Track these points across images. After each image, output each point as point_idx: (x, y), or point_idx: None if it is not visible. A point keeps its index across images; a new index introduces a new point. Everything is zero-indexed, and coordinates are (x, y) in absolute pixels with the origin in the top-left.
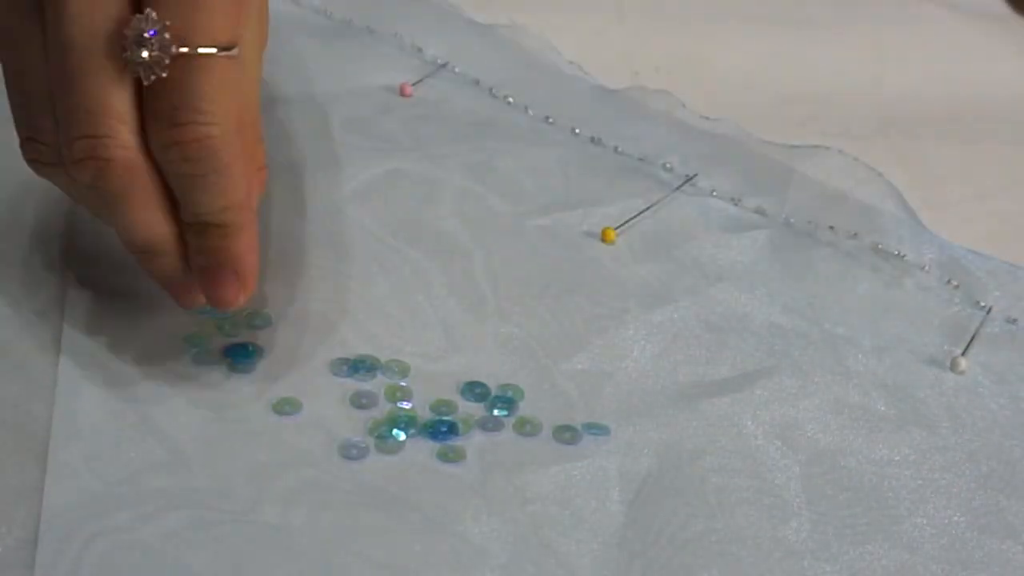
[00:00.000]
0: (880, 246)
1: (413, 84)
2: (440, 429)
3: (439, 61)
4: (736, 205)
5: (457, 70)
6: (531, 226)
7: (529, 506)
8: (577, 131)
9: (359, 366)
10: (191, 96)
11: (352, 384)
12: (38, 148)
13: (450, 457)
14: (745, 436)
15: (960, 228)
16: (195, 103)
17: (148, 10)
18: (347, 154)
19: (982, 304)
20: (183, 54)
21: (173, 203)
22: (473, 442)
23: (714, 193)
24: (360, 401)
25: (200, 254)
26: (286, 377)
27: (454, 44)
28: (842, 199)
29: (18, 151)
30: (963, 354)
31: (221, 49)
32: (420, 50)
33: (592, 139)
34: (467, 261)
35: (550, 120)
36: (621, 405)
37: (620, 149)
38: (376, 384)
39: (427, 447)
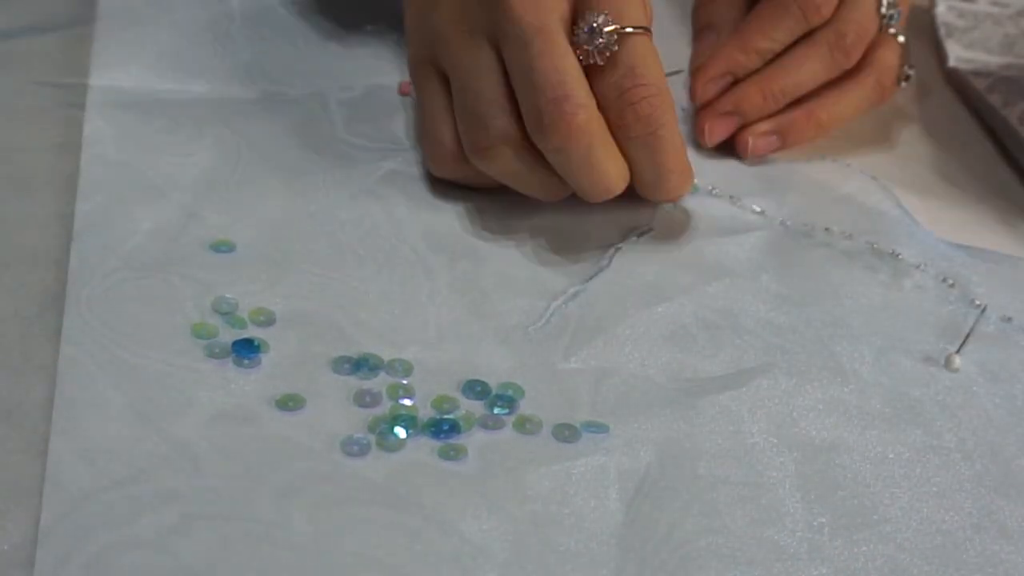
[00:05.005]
0: (876, 246)
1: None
2: (441, 427)
3: None
4: (735, 205)
5: None
6: (531, 224)
7: (529, 504)
8: None
9: (362, 364)
10: (633, 65)
11: (355, 382)
12: (489, 136)
13: (451, 455)
14: (742, 434)
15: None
16: (638, 70)
17: (587, 11)
18: (348, 153)
19: (977, 303)
20: (624, 33)
21: (621, 157)
22: (474, 440)
23: (714, 192)
24: (363, 399)
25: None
26: (290, 374)
27: None
28: (840, 201)
29: (16, 152)
30: (957, 352)
31: (643, 29)
32: None
33: None
34: (468, 260)
35: None
36: (620, 404)
37: None
38: (378, 382)
39: (428, 445)
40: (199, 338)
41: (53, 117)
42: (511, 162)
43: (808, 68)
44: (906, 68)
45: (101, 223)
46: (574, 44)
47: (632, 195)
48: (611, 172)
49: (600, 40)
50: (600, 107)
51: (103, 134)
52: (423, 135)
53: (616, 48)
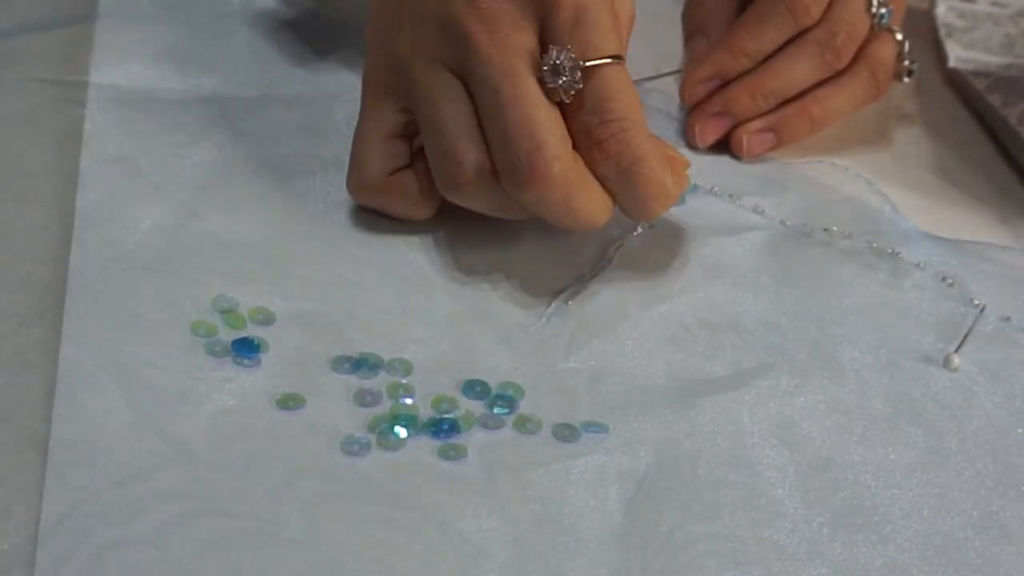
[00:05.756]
0: (875, 245)
1: None
2: (441, 427)
3: None
4: (735, 204)
5: None
6: (531, 224)
7: (529, 504)
8: None
9: (361, 364)
10: (600, 100)
11: (355, 381)
12: (464, 171)
13: (451, 455)
14: (742, 434)
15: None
16: (606, 105)
17: (552, 46)
18: (347, 153)
19: (976, 302)
20: (588, 68)
21: (603, 193)
22: (474, 440)
23: (714, 190)
24: (363, 398)
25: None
26: (290, 373)
27: None
28: (839, 201)
29: (17, 149)
30: (956, 352)
31: (613, 58)
32: None
33: None
34: (468, 259)
35: None
36: (620, 403)
37: None
38: (378, 381)
39: (428, 444)
40: (199, 337)
41: (53, 115)
42: (489, 195)
43: (799, 69)
44: (907, 63)
45: (101, 221)
46: (541, 83)
47: None
48: (592, 212)
49: (563, 79)
50: (575, 144)
51: (103, 132)
52: (351, 153)
53: (580, 86)
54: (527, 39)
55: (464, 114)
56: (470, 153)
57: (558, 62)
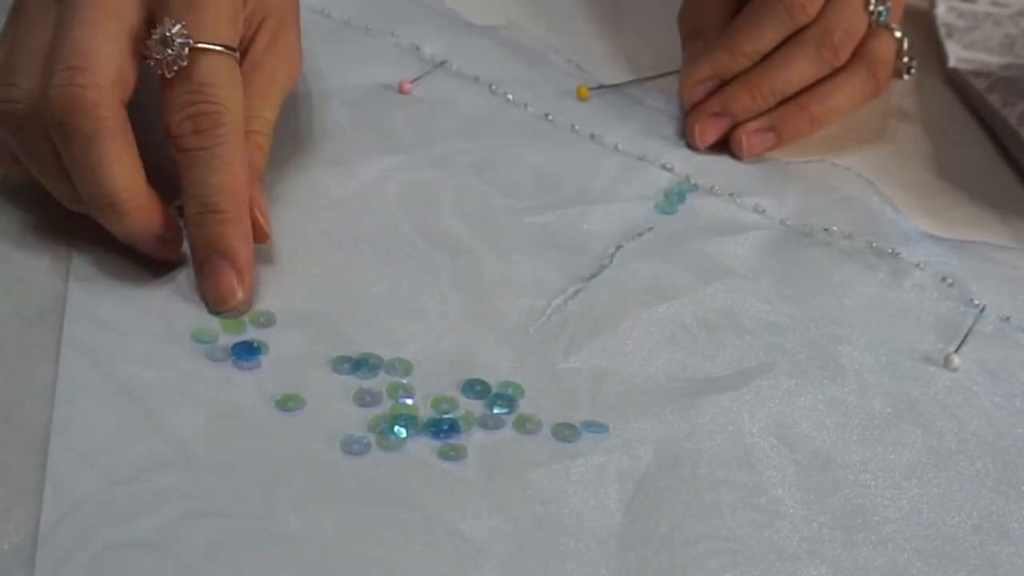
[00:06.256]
0: (875, 245)
1: (412, 81)
2: (441, 427)
3: (437, 59)
4: (735, 204)
5: (456, 68)
6: (531, 223)
7: (528, 504)
8: (577, 128)
9: (361, 364)
10: (203, 82)
11: (355, 381)
12: (10, 91)
13: (451, 455)
14: (742, 434)
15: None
16: (207, 88)
17: (166, 18)
18: (348, 152)
19: (976, 302)
20: (197, 48)
21: (140, 168)
22: (474, 440)
23: (714, 190)
24: (363, 398)
25: (199, 246)
26: (290, 374)
27: (453, 43)
28: (839, 201)
29: None
30: (956, 351)
31: (226, 48)
32: (418, 48)
33: (592, 136)
34: (467, 259)
35: (549, 117)
36: (620, 403)
37: (620, 147)
38: (378, 382)
39: (428, 444)
40: (199, 340)
41: None
42: (16, 135)
43: (797, 67)
44: (906, 60)
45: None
46: (146, 49)
47: (630, 195)
48: (117, 175)
49: (170, 52)
50: (164, 127)
51: None
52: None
53: (186, 63)
54: (130, 8)
55: (41, 41)
56: (27, 80)
57: (169, 34)
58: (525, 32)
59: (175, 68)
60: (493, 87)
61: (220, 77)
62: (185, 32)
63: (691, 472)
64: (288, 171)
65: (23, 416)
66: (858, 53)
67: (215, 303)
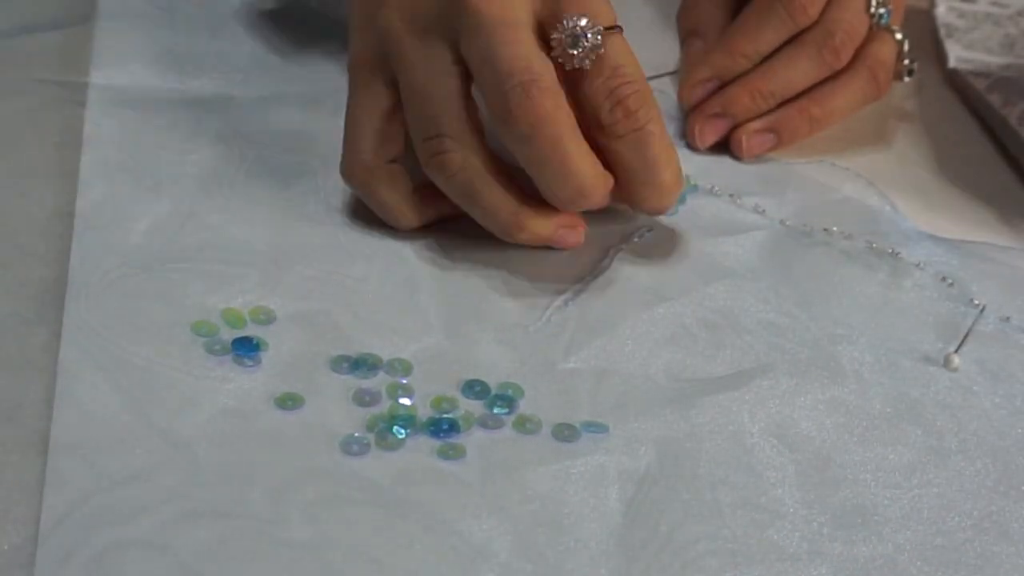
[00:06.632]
0: (875, 245)
1: None
2: (441, 427)
3: None
4: (735, 204)
5: None
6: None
7: (528, 504)
8: None
9: (361, 363)
10: (617, 65)
11: (354, 381)
12: (444, 143)
13: (450, 455)
14: (741, 435)
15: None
16: (622, 69)
17: (564, 14)
18: None
19: (976, 302)
20: (607, 34)
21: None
22: (473, 440)
23: (714, 190)
24: (362, 398)
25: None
26: (289, 373)
27: None
28: (839, 201)
29: (17, 149)
30: (956, 352)
31: (618, 27)
32: None
33: None
34: (467, 259)
35: None
36: (620, 403)
37: None
38: (377, 381)
39: (427, 444)
40: (199, 336)
41: (53, 115)
42: (464, 170)
43: (798, 69)
44: (907, 63)
45: (101, 221)
46: (551, 51)
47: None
48: (584, 170)
49: (586, 43)
50: (582, 116)
51: (103, 132)
52: (344, 138)
53: (602, 50)
54: (528, 3)
55: (453, 83)
56: (455, 123)
57: (579, 27)
58: None
59: (592, 57)
60: None
61: (627, 56)
62: (590, 22)
63: (691, 472)
64: (286, 171)
65: (23, 416)
66: (859, 55)
67: (658, 203)
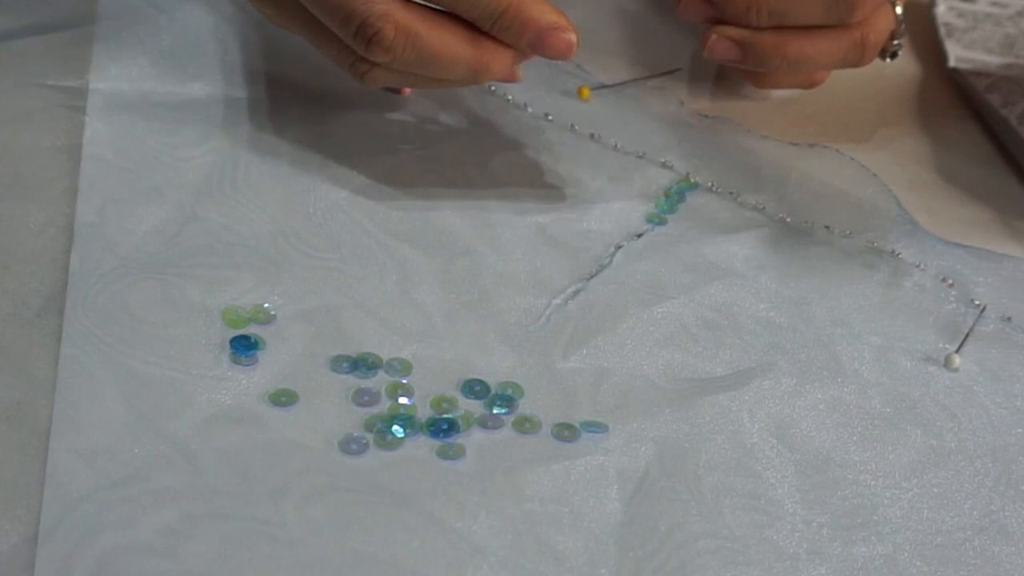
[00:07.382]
0: (875, 244)
1: None
2: (440, 426)
3: None
4: (735, 202)
5: None
6: (530, 223)
7: (527, 503)
8: (576, 128)
9: (360, 363)
10: None
11: (353, 381)
12: (370, 22)
13: (450, 454)
14: (741, 434)
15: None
16: None
17: None
18: (348, 152)
19: (976, 302)
20: None
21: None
22: (473, 439)
23: (714, 188)
24: (361, 398)
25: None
26: (288, 372)
27: None
28: (839, 198)
29: (16, 153)
30: (957, 352)
31: None
32: None
33: (591, 136)
34: (467, 259)
35: (549, 117)
36: (619, 403)
37: (619, 146)
38: (377, 381)
39: (427, 444)
40: (198, 337)
41: (53, 118)
42: (401, 34)
43: (806, 4)
44: (896, 43)
45: (101, 224)
46: None
47: (630, 194)
48: (456, 55)
49: None
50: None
51: (103, 135)
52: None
53: None
54: None
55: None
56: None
57: None
58: None
59: None
60: (493, 87)
61: None
62: None
63: (691, 472)
64: (285, 172)
65: (23, 416)
66: None
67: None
